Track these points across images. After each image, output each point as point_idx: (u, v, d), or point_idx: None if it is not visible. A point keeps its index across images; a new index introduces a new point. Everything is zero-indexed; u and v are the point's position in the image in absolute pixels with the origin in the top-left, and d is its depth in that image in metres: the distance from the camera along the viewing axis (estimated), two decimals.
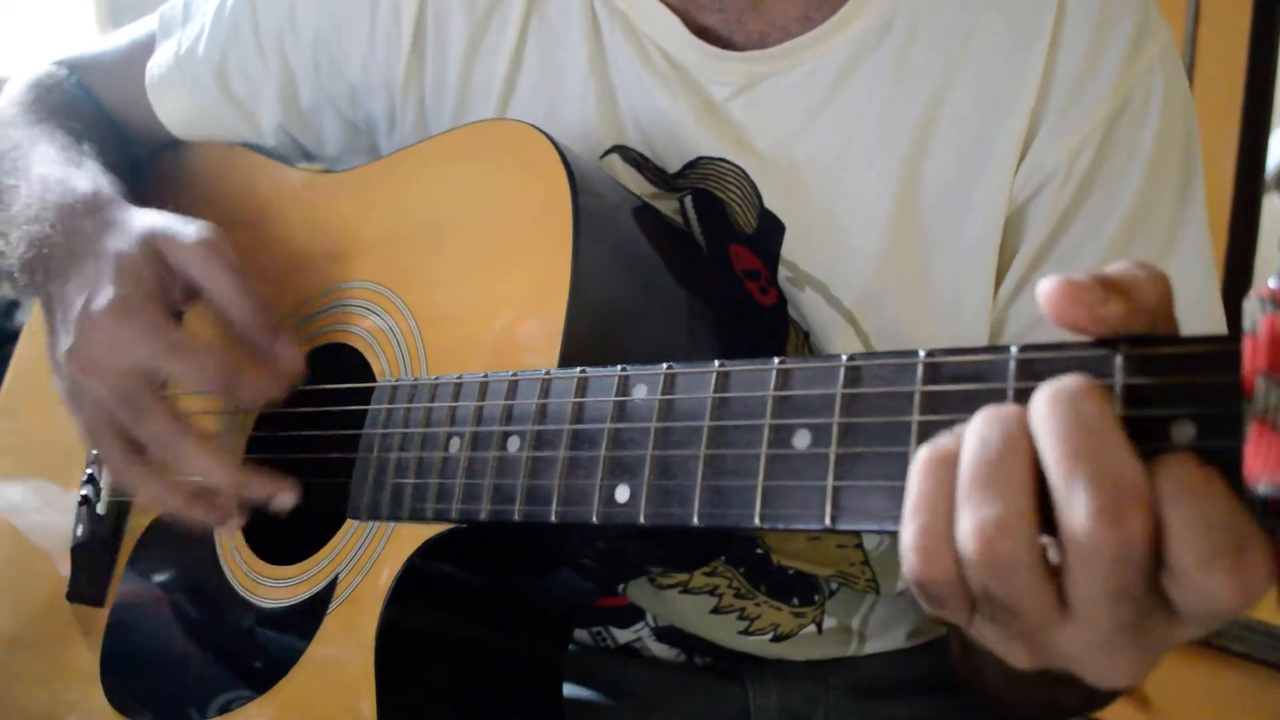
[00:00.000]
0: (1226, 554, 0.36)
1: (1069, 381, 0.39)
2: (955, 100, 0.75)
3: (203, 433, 0.71)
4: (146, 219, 0.74)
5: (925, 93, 0.75)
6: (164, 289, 0.72)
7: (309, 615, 0.70)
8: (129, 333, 0.69)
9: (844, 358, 0.47)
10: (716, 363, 0.52)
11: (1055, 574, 0.40)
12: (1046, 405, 0.39)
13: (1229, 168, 1.55)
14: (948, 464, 0.41)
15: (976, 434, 0.40)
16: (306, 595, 0.71)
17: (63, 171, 0.81)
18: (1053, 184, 0.74)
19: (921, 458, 0.42)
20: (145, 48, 0.96)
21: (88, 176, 0.81)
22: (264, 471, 0.72)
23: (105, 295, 0.69)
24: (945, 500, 0.41)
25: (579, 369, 0.58)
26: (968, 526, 0.39)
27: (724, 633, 0.87)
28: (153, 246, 0.72)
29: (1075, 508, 0.38)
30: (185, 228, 0.73)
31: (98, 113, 0.98)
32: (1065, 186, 0.74)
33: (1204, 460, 0.38)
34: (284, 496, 0.71)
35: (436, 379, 0.66)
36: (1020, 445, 0.40)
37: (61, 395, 0.73)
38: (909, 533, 0.42)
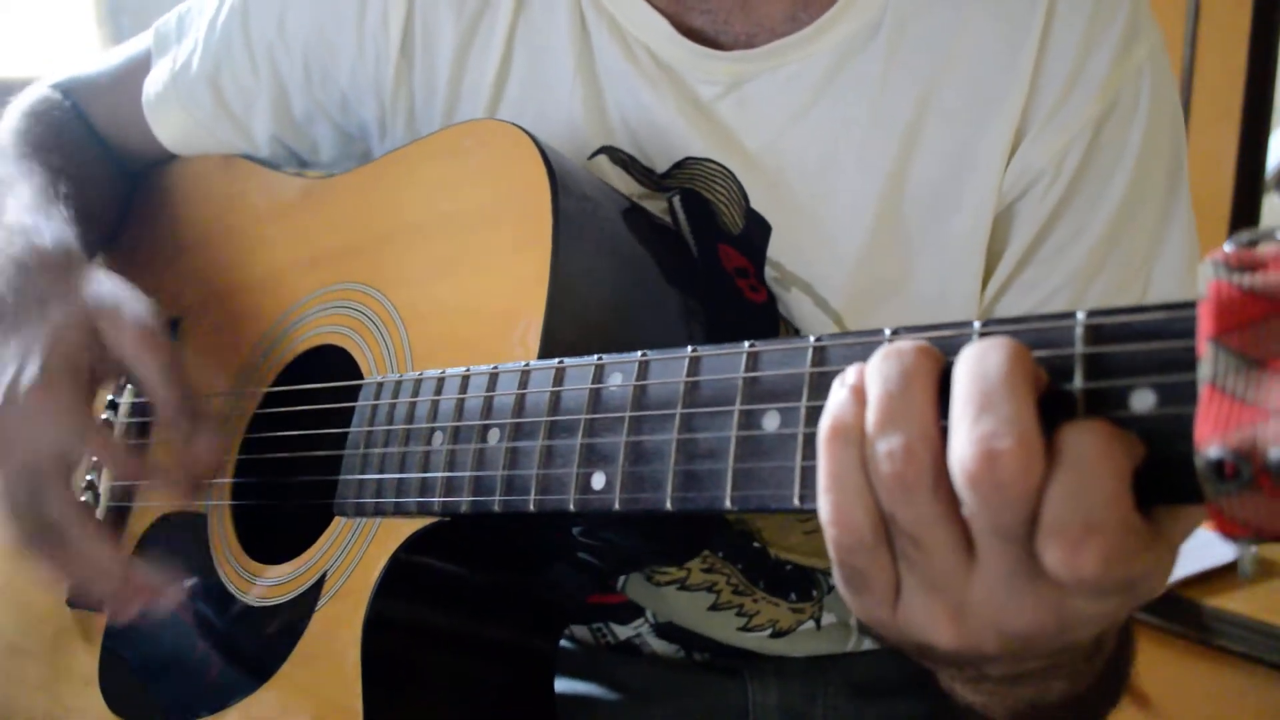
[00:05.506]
0: (1070, 529, 0.38)
1: (993, 339, 0.41)
2: (943, 101, 0.75)
3: (98, 525, 0.71)
4: (94, 290, 0.75)
5: (913, 94, 0.75)
6: (93, 368, 0.72)
7: (298, 612, 0.70)
8: (46, 413, 0.70)
9: (811, 339, 0.47)
10: (689, 348, 0.52)
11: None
12: (962, 358, 0.41)
13: (1229, 168, 1.55)
14: (848, 429, 0.43)
15: (877, 374, 0.43)
16: (296, 593, 0.71)
17: (31, 221, 0.82)
18: (1041, 184, 0.74)
19: (824, 433, 0.43)
20: (141, 65, 0.97)
21: (53, 229, 0.81)
22: (150, 574, 0.72)
23: (32, 370, 0.70)
24: (853, 461, 0.43)
25: (557, 360, 0.58)
26: (881, 455, 0.41)
27: (723, 629, 0.87)
28: (92, 324, 0.73)
29: (958, 435, 0.39)
30: (127, 311, 0.73)
31: (87, 140, 0.99)
32: (1053, 186, 0.74)
33: (1145, 429, 0.38)
34: (163, 602, 0.72)
35: (420, 374, 0.67)
36: (917, 374, 0.42)
37: None
38: (825, 504, 0.43)
